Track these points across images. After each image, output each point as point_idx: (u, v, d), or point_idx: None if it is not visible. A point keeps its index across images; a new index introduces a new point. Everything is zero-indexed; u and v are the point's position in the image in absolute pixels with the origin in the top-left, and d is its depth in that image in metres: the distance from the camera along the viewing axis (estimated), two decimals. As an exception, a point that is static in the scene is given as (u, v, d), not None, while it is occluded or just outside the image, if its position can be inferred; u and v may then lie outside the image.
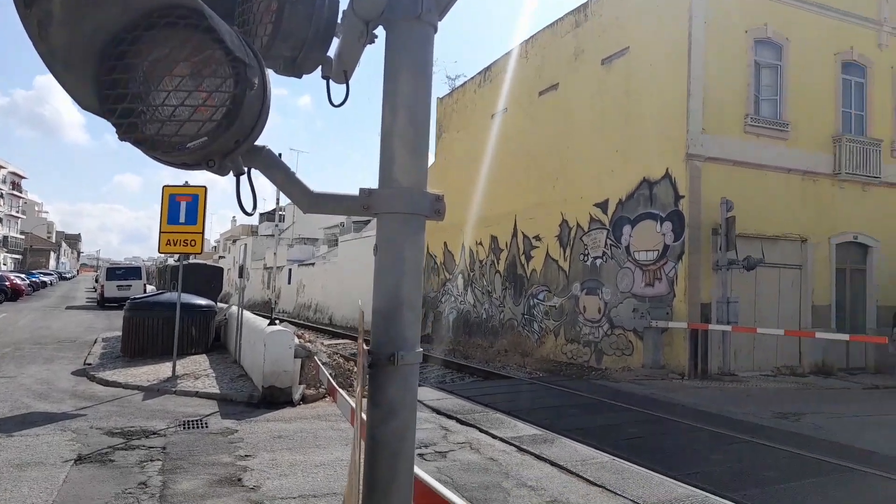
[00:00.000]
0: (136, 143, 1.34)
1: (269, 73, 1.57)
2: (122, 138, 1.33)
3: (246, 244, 14.22)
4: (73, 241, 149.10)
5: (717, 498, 5.84)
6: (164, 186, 10.90)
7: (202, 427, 7.98)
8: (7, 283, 35.78)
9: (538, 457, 7.11)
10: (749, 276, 14.33)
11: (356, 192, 1.54)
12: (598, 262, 16.38)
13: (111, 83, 1.33)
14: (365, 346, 1.63)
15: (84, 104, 1.36)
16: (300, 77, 1.59)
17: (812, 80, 15.71)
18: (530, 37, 20.40)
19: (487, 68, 22.85)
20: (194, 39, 1.31)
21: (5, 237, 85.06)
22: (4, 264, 79.17)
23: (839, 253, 16.02)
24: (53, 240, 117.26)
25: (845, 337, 13.65)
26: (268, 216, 59.52)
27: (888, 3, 16.96)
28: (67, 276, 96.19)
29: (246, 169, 1.47)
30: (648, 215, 14.95)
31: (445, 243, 24.01)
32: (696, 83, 14.21)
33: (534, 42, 20.16)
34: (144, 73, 1.34)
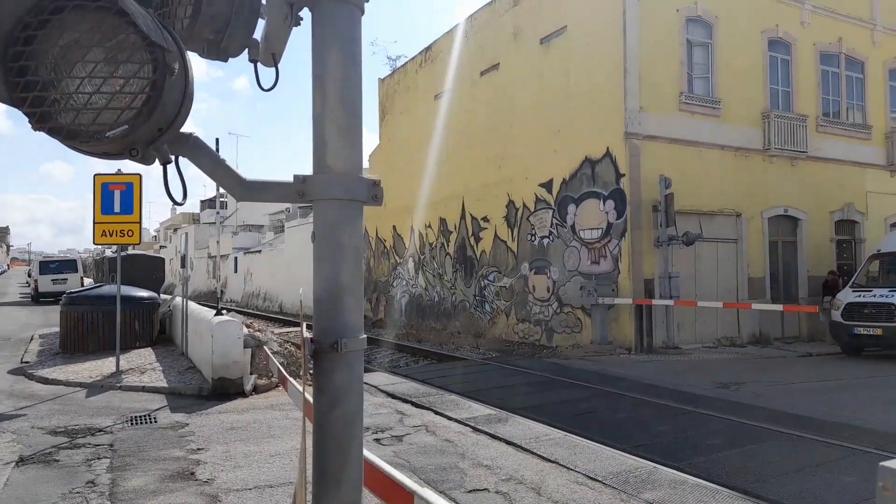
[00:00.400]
0: (52, 133, 1.27)
1: (195, 56, 1.51)
2: (35, 128, 1.26)
3: (187, 233, 13.84)
4: (2, 234, 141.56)
5: (664, 468, 6.07)
6: (96, 175, 10.46)
7: (151, 422, 7.77)
8: (-69, 283, 33.81)
9: (493, 436, 7.22)
10: (689, 251, 14.82)
11: (291, 179, 1.51)
12: (545, 241, 16.63)
13: (19, 70, 1.26)
14: (308, 334, 1.61)
15: None
16: (226, 61, 1.54)
17: (741, 57, 16.23)
18: (470, 15, 20.36)
19: (428, 48, 22.69)
20: (106, 23, 1.24)
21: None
22: (-73, 263, 74.62)
23: (771, 226, 16.74)
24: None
25: (779, 307, 14.35)
26: (209, 203, 57.87)
27: (811, -18, 17.64)
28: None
29: (173, 157, 1.42)
30: (592, 194, 15.24)
31: (394, 227, 23.91)
32: (631, 62, 14.48)
33: (473, 21, 20.11)
34: (55, 59, 1.27)
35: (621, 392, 9.85)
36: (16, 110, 1.27)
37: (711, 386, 10.38)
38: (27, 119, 1.27)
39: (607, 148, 14.81)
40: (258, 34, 1.56)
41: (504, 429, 7.50)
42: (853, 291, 14.04)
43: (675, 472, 5.95)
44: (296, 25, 1.54)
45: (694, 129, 15.37)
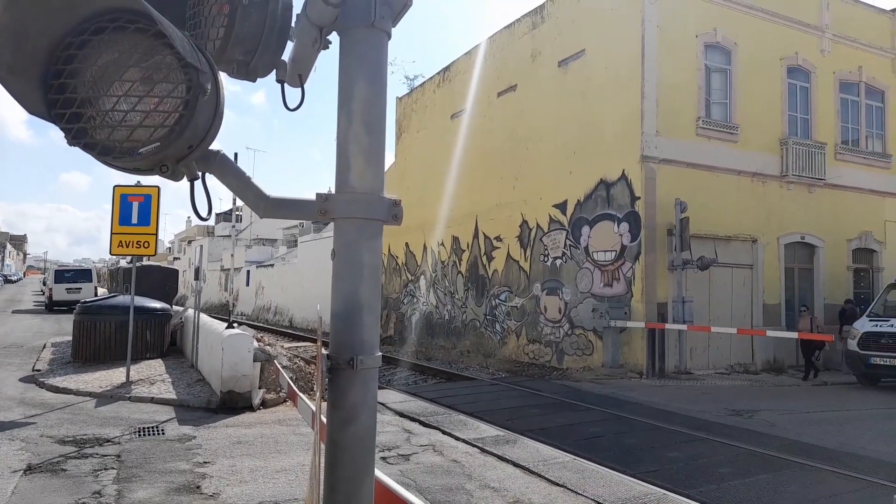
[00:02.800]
0: (86, 149, 1.31)
1: (223, 75, 1.55)
2: (71, 143, 1.31)
3: (202, 245, 13.96)
4: (19, 242, 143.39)
5: (675, 495, 5.99)
6: (116, 186, 10.62)
7: (158, 434, 7.79)
8: (-52, 288, 34.28)
9: (501, 458, 7.17)
10: (703, 275, 14.72)
11: (313, 197, 1.54)
12: (558, 262, 16.59)
13: (59, 87, 1.30)
14: (324, 351, 1.62)
15: (31, 109, 1.33)
16: (254, 81, 1.58)
17: (760, 84, 16.24)
18: (489, 37, 20.55)
19: (446, 68, 22.90)
20: (144, 44, 1.29)
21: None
22: (-55, 268, 75.66)
23: (787, 253, 16.59)
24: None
25: (794, 335, 14.15)
26: (224, 216, 58.37)
27: (829, 11, 17.64)
28: (13, 278, 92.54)
29: (200, 173, 1.46)
30: (606, 216, 15.22)
31: (407, 244, 23.96)
32: (649, 86, 14.54)
33: (492, 43, 20.31)
34: (93, 77, 1.31)
35: (632, 417, 9.75)
36: (37, 120, 1.31)
37: (724, 413, 10.25)
38: (63, 134, 1.31)
39: (623, 170, 14.82)
40: (286, 55, 1.60)
41: (512, 451, 7.44)
42: (870, 321, 13.86)
43: (685, 499, 5.87)
44: (324, 49, 1.58)
45: (711, 154, 15.35)
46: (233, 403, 9.16)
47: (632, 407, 10.50)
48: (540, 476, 6.51)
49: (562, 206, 16.58)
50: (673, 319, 14.22)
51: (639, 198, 14.42)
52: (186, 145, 1.34)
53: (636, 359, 14.19)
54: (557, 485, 6.24)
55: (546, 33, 17.81)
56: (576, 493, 6.01)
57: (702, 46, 15.47)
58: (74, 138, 1.30)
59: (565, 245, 16.40)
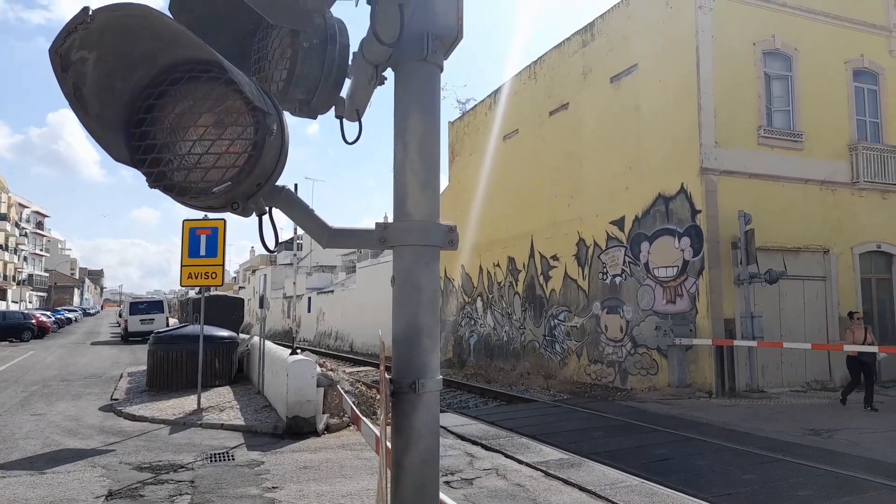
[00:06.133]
0: (165, 191, 1.42)
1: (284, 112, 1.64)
2: (152, 186, 1.41)
3: (265, 274, 14.39)
4: (96, 276, 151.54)
5: (750, 518, 5.73)
6: (185, 221, 11.10)
7: (229, 459, 8.02)
8: (34, 322, 36.43)
9: (566, 482, 7.03)
10: (772, 289, 14.15)
11: (372, 226, 1.60)
12: (618, 280, 16.29)
13: (140, 135, 1.42)
14: (387, 375, 1.66)
15: (116, 156, 1.45)
16: (314, 118, 1.66)
17: (824, 89, 15.66)
18: (538, 58, 20.63)
19: (497, 91, 23.08)
20: (216, 91, 1.39)
21: (30, 275, 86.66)
22: (30, 302, 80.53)
23: (863, 263, 15.79)
24: (77, 276, 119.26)
25: (874, 349, 13.34)
26: (286, 245, 60.04)
27: (898, 10, 16.92)
28: (91, 311, 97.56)
29: (267, 208, 1.54)
30: (666, 231, 14.88)
31: (463, 266, 24.03)
32: (706, 97, 14.23)
33: (542, 63, 20.37)
34: (171, 124, 1.42)
35: (702, 438, 9.40)
36: (109, 160, 1.43)
37: (801, 432, 9.75)
38: (144, 178, 1.42)
39: (682, 184, 14.50)
40: (344, 92, 1.68)
41: (577, 474, 7.29)
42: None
43: (763, 525, 5.60)
44: (379, 84, 1.65)
45: (774, 164, 14.85)
46: (298, 429, 9.34)
47: (701, 427, 10.13)
48: (607, 500, 6.35)
49: (619, 223, 16.32)
50: (742, 336, 13.68)
51: (699, 211, 14.06)
52: (255, 183, 1.43)
53: (704, 378, 13.71)
54: (626, 509, 6.07)
55: (596, 50, 17.74)
56: (646, 517, 5.83)
57: (760, 54, 15.07)
58: (155, 181, 1.41)
59: (624, 262, 16.10)
